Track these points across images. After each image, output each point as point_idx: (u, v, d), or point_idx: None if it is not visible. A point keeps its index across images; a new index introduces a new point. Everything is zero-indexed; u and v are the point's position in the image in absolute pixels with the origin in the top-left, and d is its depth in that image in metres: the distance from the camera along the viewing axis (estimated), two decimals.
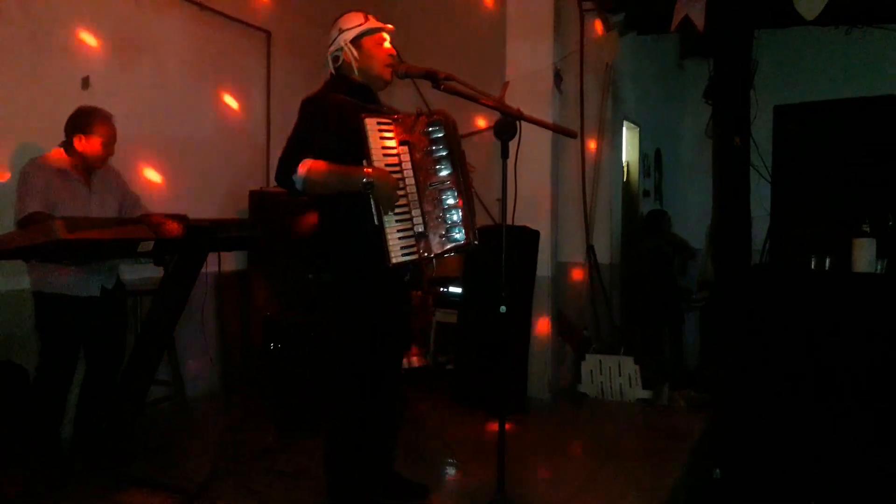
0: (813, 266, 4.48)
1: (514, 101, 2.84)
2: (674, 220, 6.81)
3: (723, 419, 4.57)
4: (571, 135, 3.11)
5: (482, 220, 5.10)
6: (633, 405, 4.97)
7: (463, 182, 2.81)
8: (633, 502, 3.30)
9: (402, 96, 4.98)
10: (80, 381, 3.48)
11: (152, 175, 4.48)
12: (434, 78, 2.73)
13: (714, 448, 4.34)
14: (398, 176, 2.71)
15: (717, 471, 4.20)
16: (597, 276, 5.56)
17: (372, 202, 2.62)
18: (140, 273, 3.84)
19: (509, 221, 2.89)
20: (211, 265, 3.52)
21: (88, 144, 3.29)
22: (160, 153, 4.53)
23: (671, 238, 6.60)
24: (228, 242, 3.52)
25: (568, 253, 5.51)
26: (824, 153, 4.83)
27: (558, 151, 5.13)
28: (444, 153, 2.80)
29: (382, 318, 2.81)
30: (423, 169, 2.77)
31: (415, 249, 2.69)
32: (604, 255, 5.71)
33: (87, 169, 3.35)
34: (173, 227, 3.04)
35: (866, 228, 4.44)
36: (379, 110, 2.84)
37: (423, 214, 2.73)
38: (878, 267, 4.29)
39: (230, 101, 5.14)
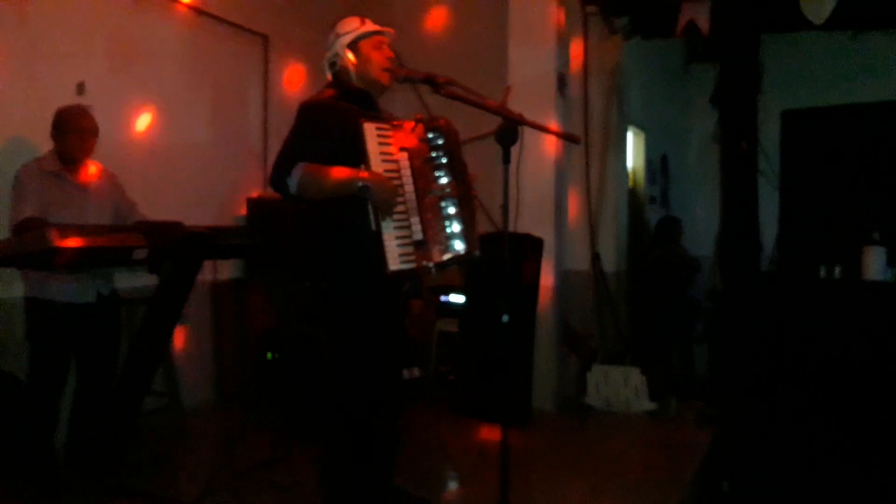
0: (822, 274, 4.41)
1: (516, 106, 2.77)
2: (682, 226, 6.71)
3: (731, 431, 4.48)
4: (575, 140, 3.04)
5: (484, 227, 5.04)
6: (640, 417, 4.88)
7: (464, 191, 2.75)
8: None
9: (402, 102, 4.94)
10: (74, 390, 3.42)
11: (148, 181, 4.42)
12: (434, 82, 2.66)
13: (722, 461, 4.25)
14: (397, 182, 2.64)
15: (726, 484, 4.10)
16: (602, 285, 5.49)
17: (370, 207, 2.55)
18: (134, 281, 3.78)
19: (512, 229, 2.82)
20: (207, 273, 3.46)
21: (65, 141, 3.26)
22: (156, 158, 4.48)
23: (677, 250, 6.50)
24: (225, 250, 3.46)
25: (573, 261, 5.44)
26: (833, 159, 4.77)
27: (562, 157, 5.06)
28: (445, 161, 2.74)
29: (381, 328, 2.74)
30: (422, 176, 2.71)
31: (413, 258, 2.62)
32: (609, 263, 5.65)
33: (75, 165, 3.31)
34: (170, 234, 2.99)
35: (876, 236, 4.36)
36: (378, 116, 2.77)
37: (422, 222, 2.65)
38: (889, 275, 4.22)
39: (227, 106, 5.08)
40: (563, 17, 5.05)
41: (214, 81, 4.99)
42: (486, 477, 3.36)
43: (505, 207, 2.77)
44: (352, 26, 2.80)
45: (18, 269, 3.25)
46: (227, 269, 4.89)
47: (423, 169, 2.71)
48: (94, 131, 3.34)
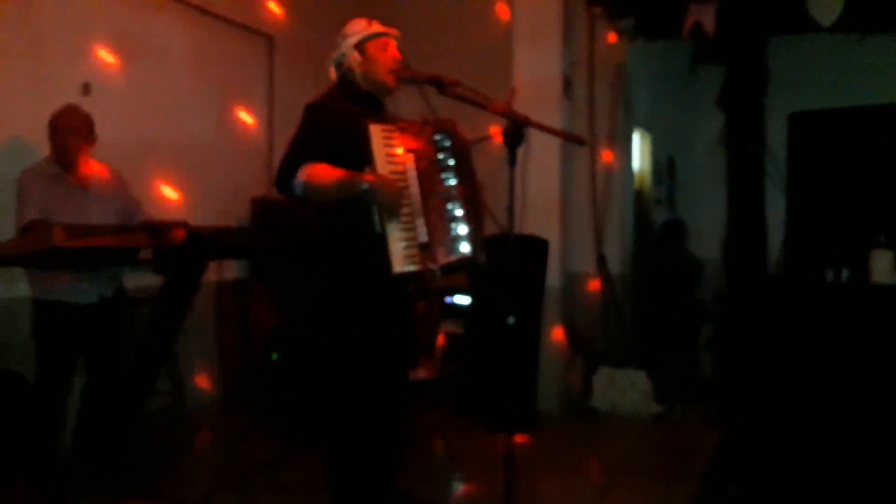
0: (829, 277, 4.39)
1: (522, 107, 2.76)
2: (688, 229, 6.68)
3: (738, 434, 4.46)
4: (580, 142, 3.03)
5: (490, 228, 5.04)
6: (646, 420, 4.86)
7: (471, 194, 2.74)
8: None
9: (407, 103, 4.93)
10: (81, 390, 3.42)
11: (152, 181, 4.43)
12: (440, 84, 2.66)
13: (729, 464, 4.23)
14: (402, 184, 2.63)
15: (732, 488, 4.08)
16: (608, 287, 5.47)
17: (374, 209, 2.54)
18: (140, 281, 3.78)
19: (518, 230, 2.81)
20: (212, 273, 3.46)
21: (56, 142, 3.26)
22: (160, 159, 4.49)
23: (683, 253, 6.48)
24: (229, 251, 3.46)
25: (579, 262, 5.42)
26: (840, 162, 4.75)
27: (568, 159, 5.05)
28: (451, 163, 2.73)
29: (385, 329, 2.73)
30: (428, 178, 2.69)
31: (418, 260, 2.61)
32: (615, 265, 5.62)
33: (73, 166, 3.29)
34: (177, 235, 2.99)
35: (883, 239, 4.34)
36: (384, 118, 2.76)
37: (427, 224, 2.64)
38: None
39: (232, 107, 5.09)
40: (568, 18, 5.05)
41: (219, 82, 5.00)
42: (492, 479, 3.34)
43: (510, 209, 2.76)
44: (359, 27, 2.79)
45: (24, 268, 3.26)
46: (231, 270, 4.89)
47: (429, 171, 2.70)
48: (83, 129, 3.30)
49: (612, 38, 5.30)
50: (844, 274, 4.36)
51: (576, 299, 5.35)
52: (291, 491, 3.37)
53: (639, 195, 6.69)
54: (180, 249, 3.05)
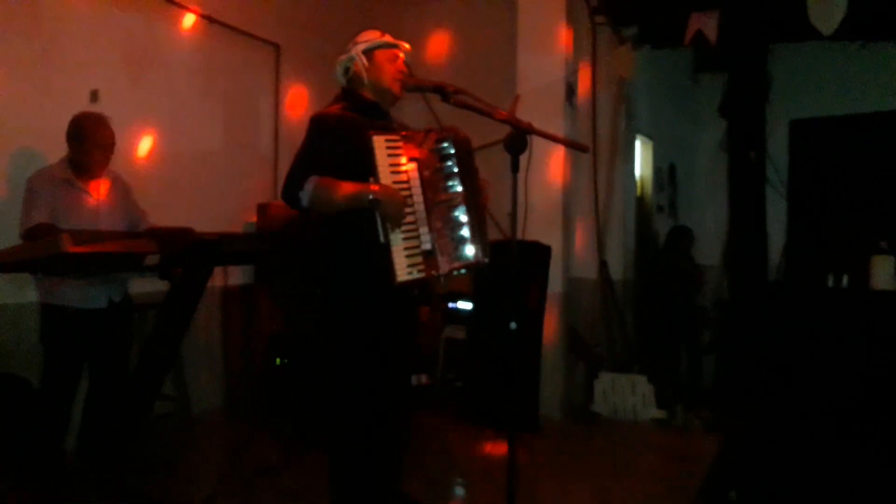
0: (830, 283, 4.40)
1: (525, 115, 2.78)
2: (694, 235, 6.68)
3: (738, 440, 4.47)
4: (583, 149, 3.05)
5: (493, 234, 5.05)
6: (647, 425, 4.88)
7: (473, 199, 2.76)
8: None
9: (412, 111, 4.98)
10: (85, 394, 3.44)
11: (159, 187, 4.46)
12: (443, 92, 2.68)
13: (730, 470, 4.24)
14: (406, 193, 2.65)
15: (733, 493, 4.09)
16: (610, 292, 5.49)
17: (378, 219, 2.57)
18: (145, 287, 3.81)
19: (520, 236, 2.84)
20: (217, 279, 3.48)
21: (83, 151, 3.25)
22: (168, 165, 4.52)
23: (686, 259, 6.48)
24: (235, 256, 3.48)
25: (580, 268, 5.44)
26: (841, 168, 4.77)
27: (570, 165, 5.08)
28: (455, 170, 2.76)
29: (388, 336, 2.75)
30: (432, 186, 2.72)
31: (423, 267, 2.64)
32: (617, 271, 5.64)
33: (90, 176, 3.31)
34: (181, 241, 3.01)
35: (884, 245, 4.35)
36: (388, 127, 2.79)
37: (431, 232, 2.67)
38: None
39: (238, 114, 5.13)
40: (571, 26, 5.08)
41: (226, 90, 5.03)
42: (494, 484, 3.37)
43: (513, 215, 2.78)
44: (371, 36, 2.84)
45: (31, 274, 3.28)
46: (236, 275, 4.92)
47: (432, 179, 2.73)
48: (111, 145, 3.33)
49: (615, 46, 5.32)
50: (845, 280, 4.37)
51: (577, 304, 5.38)
52: (295, 495, 3.38)
53: (640, 202, 6.72)
54: (186, 256, 3.07)
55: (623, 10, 5.31)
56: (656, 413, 4.91)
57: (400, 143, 2.69)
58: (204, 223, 3.74)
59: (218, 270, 3.47)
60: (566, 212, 5.04)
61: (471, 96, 2.70)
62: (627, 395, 4.98)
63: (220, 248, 3.30)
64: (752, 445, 4.38)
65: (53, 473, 3.28)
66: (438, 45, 6.06)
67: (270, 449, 3.97)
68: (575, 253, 5.32)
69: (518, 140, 2.61)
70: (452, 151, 2.76)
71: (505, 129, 2.65)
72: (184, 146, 4.68)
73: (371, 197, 2.54)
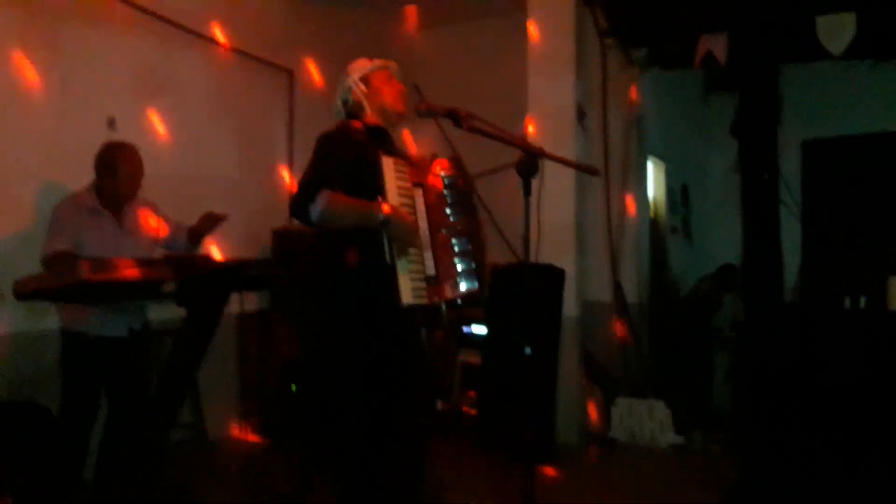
0: (847, 304, 4.35)
1: (537, 137, 2.82)
2: (703, 256, 6.69)
3: (758, 463, 4.41)
4: (594, 172, 3.06)
5: (506, 257, 5.07)
6: (666, 450, 4.82)
7: (474, 230, 2.79)
8: None
9: (425, 135, 5.01)
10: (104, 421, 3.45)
11: (176, 213, 4.49)
12: (456, 117, 2.70)
13: (749, 494, 4.18)
14: (412, 217, 2.67)
15: None
16: (625, 316, 5.46)
17: (386, 241, 2.58)
18: (162, 313, 3.83)
19: (534, 259, 2.84)
20: (233, 304, 3.50)
21: (113, 181, 3.29)
22: (184, 191, 4.54)
23: (710, 284, 6.49)
24: (251, 282, 3.50)
25: (595, 291, 5.42)
26: (854, 188, 4.74)
27: (583, 188, 5.08)
28: (457, 198, 2.78)
29: (400, 360, 2.74)
30: (436, 213, 2.75)
31: (425, 293, 2.65)
32: (632, 294, 5.61)
33: (118, 206, 3.34)
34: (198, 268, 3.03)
35: None
36: (394, 150, 2.82)
37: (434, 258, 2.69)
38: None
39: (253, 140, 5.18)
40: (582, 49, 5.12)
41: (241, 115, 5.10)
42: None
43: (526, 239, 2.78)
44: (360, 65, 2.90)
45: (52, 302, 3.31)
46: (252, 301, 4.93)
47: (436, 205, 2.75)
48: (143, 174, 3.38)
49: (625, 68, 5.35)
50: (862, 301, 4.32)
51: (593, 328, 5.34)
52: None
53: (654, 223, 6.71)
54: (203, 282, 3.09)
55: (633, 33, 5.34)
56: (674, 438, 4.86)
57: (407, 167, 2.72)
58: (219, 248, 3.77)
59: (234, 296, 3.48)
60: (579, 234, 5.03)
61: (482, 121, 2.73)
62: (645, 420, 4.93)
63: (237, 274, 3.32)
64: (771, 469, 4.32)
65: (72, 501, 3.27)
66: (450, 69, 6.11)
67: (287, 475, 3.95)
68: (589, 276, 5.30)
69: (530, 164, 2.63)
70: (454, 180, 2.79)
71: (517, 152, 2.67)
72: (199, 172, 4.73)
73: (383, 218, 2.55)
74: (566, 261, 4.85)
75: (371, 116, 2.85)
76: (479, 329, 5.33)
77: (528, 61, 5.08)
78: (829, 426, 4.11)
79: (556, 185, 4.84)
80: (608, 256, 5.47)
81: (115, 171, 3.28)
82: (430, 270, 2.67)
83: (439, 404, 5.09)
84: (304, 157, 5.26)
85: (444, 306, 2.70)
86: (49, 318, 3.44)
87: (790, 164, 5.41)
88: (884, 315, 4.19)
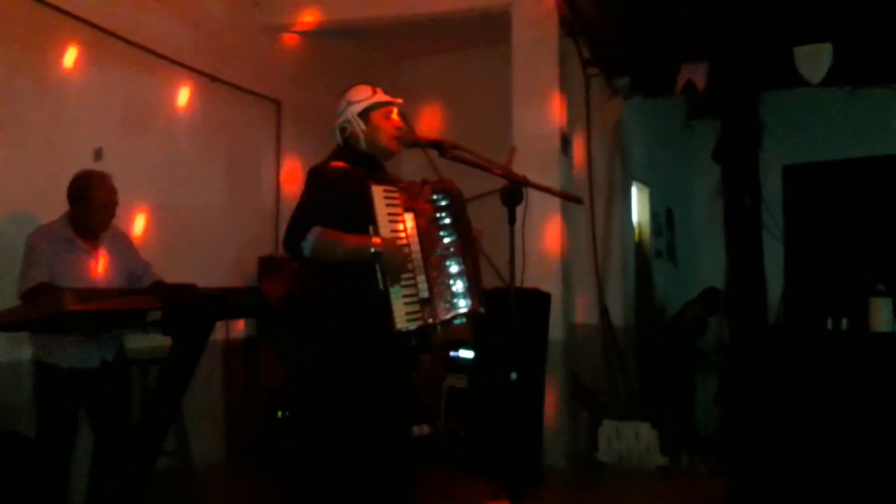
0: (829, 326, 4.40)
1: (521, 165, 2.87)
2: (688, 279, 6.76)
3: (742, 485, 4.43)
4: (576, 201, 3.11)
5: (492, 282, 5.09)
6: (653, 472, 4.83)
7: (468, 249, 2.81)
8: None
9: (412, 164, 5.06)
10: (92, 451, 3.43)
11: (162, 243, 4.51)
12: (440, 147, 2.76)
13: None
14: (404, 242, 2.71)
15: None
16: (611, 339, 5.49)
17: (378, 271, 2.61)
18: (147, 342, 3.82)
19: (520, 284, 2.86)
20: (219, 332, 3.50)
21: (86, 211, 3.27)
22: (170, 221, 4.57)
23: (702, 316, 6.53)
24: (237, 310, 3.51)
25: (581, 315, 5.46)
26: (836, 212, 4.80)
27: (568, 213, 5.14)
28: (449, 221, 2.81)
29: (388, 387, 2.76)
30: (428, 236, 2.77)
31: (420, 316, 2.67)
32: (618, 317, 5.65)
33: (92, 234, 3.32)
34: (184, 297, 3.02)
35: (882, 287, 4.36)
36: (385, 178, 2.86)
37: (428, 281, 2.71)
38: None
39: (240, 169, 5.21)
40: (565, 78, 5.20)
41: (228, 146, 5.13)
42: None
43: (511, 265, 2.82)
44: (363, 95, 2.88)
45: (31, 332, 3.27)
46: (238, 329, 4.94)
47: (429, 229, 2.78)
48: (116, 203, 3.36)
49: (608, 96, 5.44)
50: (844, 323, 4.37)
51: (579, 351, 5.37)
52: None
53: (639, 247, 6.77)
54: (188, 312, 3.09)
55: (615, 62, 5.44)
56: (661, 460, 4.87)
57: (397, 194, 2.76)
58: (206, 278, 3.78)
59: (220, 324, 3.49)
60: (565, 259, 5.08)
61: (467, 151, 2.77)
62: (632, 442, 4.94)
63: (223, 303, 3.33)
64: (756, 491, 4.33)
65: None
66: (435, 98, 6.19)
67: (273, 503, 3.93)
68: (575, 300, 5.34)
69: (513, 193, 2.68)
70: (447, 203, 2.82)
71: (501, 180, 2.71)
72: (186, 201, 4.74)
73: (372, 251, 2.59)
74: (552, 285, 4.89)
75: (365, 149, 2.88)
76: (467, 353, 5.34)
77: (512, 90, 5.16)
78: (814, 446, 4.14)
79: (542, 212, 4.90)
80: (594, 280, 5.51)
81: (87, 200, 3.26)
82: (425, 293, 2.70)
83: (427, 429, 5.08)
84: (291, 186, 5.35)
85: (439, 327, 2.72)
86: (27, 347, 3.42)
87: (772, 189, 5.47)
88: (865, 336, 4.24)
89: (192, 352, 3.42)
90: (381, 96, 2.90)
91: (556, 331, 4.88)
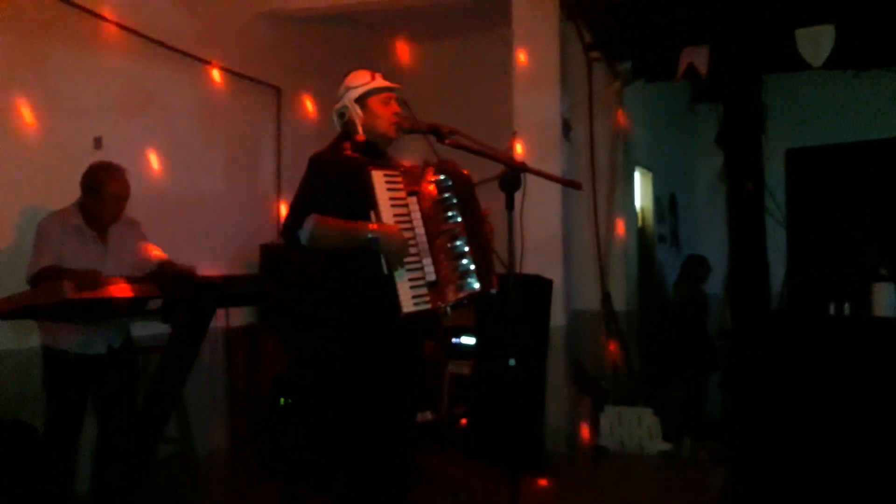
0: (832, 311, 4.40)
1: (523, 150, 2.84)
2: (709, 265, 6.67)
3: (744, 471, 4.44)
4: (576, 186, 3.09)
5: (496, 268, 5.08)
6: (654, 458, 4.84)
7: (475, 229, 2.79)
8: None
9: (413, 150, 5.03)
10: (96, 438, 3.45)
11: (163, 230, 4.50)
12: (438, 133, 2.74)
13: (738, 501, 4.20)
14: (407, 226, 2.68)
15: None
16: (613, 324, 5.49)
17: (381, 256, 2.59)
18: (148, 330, 3.83)
19: (521, 270, 2.85)
20: (220, 320, 3.51)
21: (98, 202, 3.29)
22: (171, 208, 4.57)
23: (701, 289, 6.45)
24: (237, 298, 3.51)
25: (583, 301, 5.44)
26: (838, 196, 4.78)
27: (570, 198, 5.12)
28: (454, 201, 2.78)
29: (393, 373, 2.76)
30: (432, 218, 2.75)
31: (428, 299, 2.65)
32: (620, 302, 5.64)
33: (102, 226, 3.35)
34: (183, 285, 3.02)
35: (884, 272, 4.35)
36: (386, 163, 2.84)
37: (434, 263, 2.69)
38: None
39: (240, 156, 5.20)
40: (567, 63, 5.16)
41: (228, 132, 5.12)
42: None
43: (510, 252, 2.80)
44: (362, 80, 2.85)
45: (35, 320, 3.30)
46: (240, 316, 4.94)
47: (432, 211, 2.75)
48: (129, 195, 3.37)
49: (610, 81, 5.41)
50: (847, 307, 4.36)
51: (581, 337, 5.37)
52: None
53: (642, 232, 6.75)
54: (188, 300, 3.09)
55: (617, 46, 5.39)
56: (663, 446, 4.88)
57: (399, 178, 2.73)
58: (207, 265, 3.78)
59: (221, 311, 3.49)
60: (566, 245, 5.06)
61: (465, 136, 2.75)
62: (634, 428, 4.95)
63: (224, 290, 3.33)
64: (758, 477, 4.34)
65: None
66: (436, 84, 6.15)
67: (275, 490, 3.95)
68: (577, 285, 5.33)
69: (512, 179, 2.66)
70: (451, 184, 2.79)
71: (500, 166, 2.70)
72: (186, 189, 4.74)
73: (370, 236, 2.57)
74: (553, 271, 4.88)
75: (364, 135, 2.86)
76: (469, 340, 5.35)
77: (513, 75, 5.13)
78: (816, 431, 4.14)
79: (542, 198, 4.87)
80: (596, 266, 5.50)
81: (100, 192, 3.28)
82: (432, 276, 2.67)
83: (430, 415, 5.09)
84: (291, 173, 5.34)
85: (448, 309, 2.70)
86: (34, 336, 3.45)
87: (775, 173, 5.46)
88: (868, 321, 4.24)
89: (191, 340, 3.43)
90: (379, 82, 2.87)
91: (557, 317, 4.88)
